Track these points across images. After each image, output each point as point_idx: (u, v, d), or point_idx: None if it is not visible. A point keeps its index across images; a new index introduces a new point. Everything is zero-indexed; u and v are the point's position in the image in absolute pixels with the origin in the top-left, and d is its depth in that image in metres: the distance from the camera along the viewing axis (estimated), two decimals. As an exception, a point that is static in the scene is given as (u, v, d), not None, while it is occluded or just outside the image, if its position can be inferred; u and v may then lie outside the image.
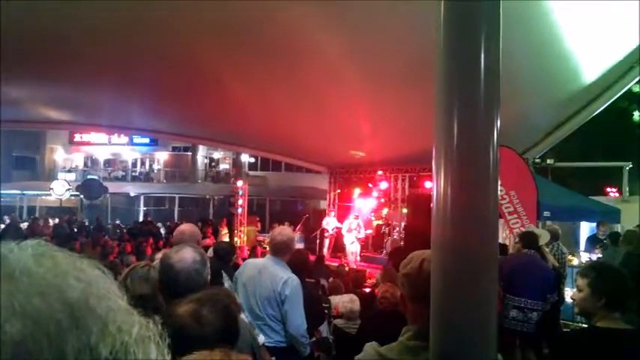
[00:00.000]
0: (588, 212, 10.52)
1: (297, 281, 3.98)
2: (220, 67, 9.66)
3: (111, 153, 33.32)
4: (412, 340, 1.71)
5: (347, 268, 12.00)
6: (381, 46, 8.30)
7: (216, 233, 15.56)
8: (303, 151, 16.79)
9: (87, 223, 22.27)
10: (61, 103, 13.99)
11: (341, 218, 16.57)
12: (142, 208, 31.11)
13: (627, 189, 14.93)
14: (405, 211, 14.92)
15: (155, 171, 33.77)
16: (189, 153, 32.31)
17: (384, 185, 16.02)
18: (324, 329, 5.64)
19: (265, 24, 7.69)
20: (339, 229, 16.11)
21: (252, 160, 30.14)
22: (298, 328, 3.93)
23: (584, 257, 9.56)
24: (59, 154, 32.84)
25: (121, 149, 32.91)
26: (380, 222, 16.17)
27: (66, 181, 24.87)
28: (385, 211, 16.18)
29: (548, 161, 13.02)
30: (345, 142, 14.07)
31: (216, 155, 33.96)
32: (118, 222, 24.63)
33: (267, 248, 4.60)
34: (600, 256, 8.70)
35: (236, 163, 31.07)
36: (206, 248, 4.86)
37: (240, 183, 18.29)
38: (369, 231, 16.01)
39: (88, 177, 25.57)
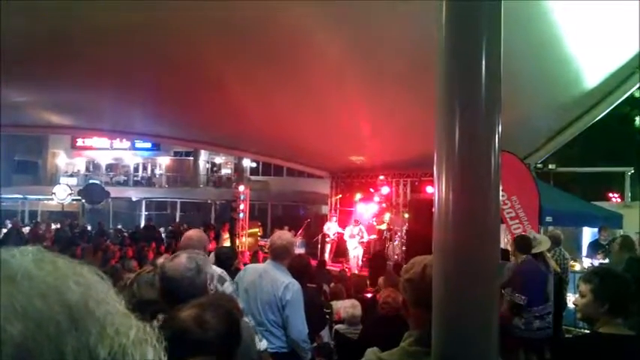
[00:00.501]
0: (590, 217, 10.51)
1: (297, 286, 3.98)
2: (222, 70, 9.67)
3: (113, 157, 33.40)
4: (413, 346, 1.70)
5: (349, 274, 11.99)
6: (383, 48, 8.31)
7: (218, 238, 15.57)
8: (304, 155, 16.79)
9: (89, 228, 22.29)
10: (63, 107, 14.00)
11: (342, 223, 16.56)
12: (144, 213, 31.15)
13: (629, 194, 14.93)
14: (406, 216, 14.92)
15: (157, 176, 33.83)
16: (191, 158, 32.37)
17: (385, 190, 16.01)
18: (325, 334, 5.62)
19: (267, 26, 7.70)
20: (340, 235, 16.10)
21: (254, 164, 30.17)
22: (300, 333, 3.93)
23: (587, 263, 9.54)
24: (61, 159, 32.91)
25: (123, 154, 32.97)
26: (383, 227, 16.14)
27: (68, 185, 24.93)
28: (388, 216, 16.17)
29: (550, 166, 13.04)
30: (347, 146, 14.07)
31: (218, 160, 34.01)
32: (119, 227, 24.64)
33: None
34: (603, 261, 8.67)
35: (238, 168, 31.11)
36: (208, 253, 4.86)
37: (241, 188, 18.32)
38: (373, 236, 15.98)
39: (90, 181, 25.60)
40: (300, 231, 18.19)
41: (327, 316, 6.24)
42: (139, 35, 8.24)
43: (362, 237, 15.12)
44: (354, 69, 9.25)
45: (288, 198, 28.67)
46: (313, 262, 9.32)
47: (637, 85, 10.56)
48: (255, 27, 7.79)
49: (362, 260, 15.18)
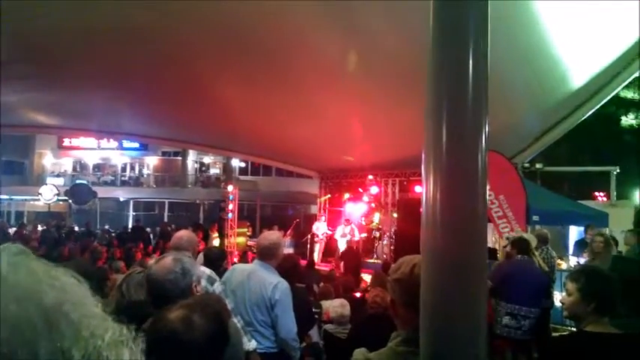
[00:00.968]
0: (577, 216, 10.60)
1: (286, 285, 3.98)
2: (211, 70, 9.64)
3: (100, 157, 33.16)
4: (401, 346, 1.70)
5: (337, 273, 11.99)
6: (373, 50, 8.33)
7: (206, 238, 15.51)
8: (293, 155, 16.79)
9: (76, 229, 22.10)
10: (50, 107, 13.89)
11: (331, 223, 16.56)
12: (132, 213, 30.97)
13: (615, 193, 15.08)
14: (395, 215, 14.96)
15: (145, 176, 33.65)
16: (180, 158, 32.25)
17: (374, 190, 16.03)
18: (314, 334, 5.61)
19: (257, 27, 7.68)
20: (329, 235, 16.10)
21: (243, 164, 30.13)
22: (289, 332, 3.92)
23: (573, 261, 9.62)
24: (48, 159, 32.61)
25: (110, 154, 32.76)
26: (373, 226, 16.13)
27: (54, 185, 24.70)
28: (377, 216, 16.19)
29: (537, 165, 13.14)
30: (336, 146, 14.08)
31: (207, 160, 33.90)
32: (107, 227, 24.48)
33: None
34: (589, 260, 8.74)
35: (226, 168, 31.03)
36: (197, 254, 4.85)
37: (230, 188, 18.26)
38: (364, 234, 16.00)
39: (77, 182, 25.42)
40: (289, 231, 18.19)
41: (316, 316, 6.23)
42: (127, 35, 8.19)
43: (353, 236, 15.12)
44: (343, 69, 9.26)
45: (277, 198, 28.66)
46: (302, 262, 9.33)
47: (623, 85, 10.68)
48: (246, 27, 7.78)
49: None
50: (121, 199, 30.85)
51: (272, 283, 3.93)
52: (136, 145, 31.06)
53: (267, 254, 4.12)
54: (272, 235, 4.42)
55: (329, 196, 18.06)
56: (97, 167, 33.55)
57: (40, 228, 20.60)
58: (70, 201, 22.84)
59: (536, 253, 6.76)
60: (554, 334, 6.87)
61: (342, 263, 13.51)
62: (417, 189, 12.82)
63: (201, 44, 8.54)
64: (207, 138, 16.84)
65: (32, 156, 31.96)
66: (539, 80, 9.43)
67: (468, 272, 1.37)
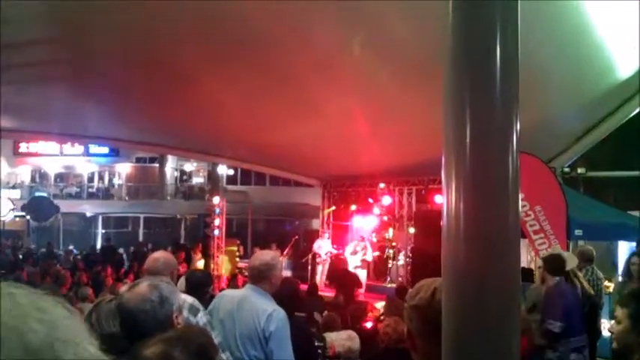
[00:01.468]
0: (627, 230, 10.54)
1: (283, 314, 3.97)
2: (192, 63, 9.66)
3: (63, 166, 33.24)
4: (421, 385, 1.70)
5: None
6: (383, 37, 8.34)
7: (189, 260, 15.51)
8: (291, 160, 16.77)
9: (35, 249, 22.12)
10: (3, 106, 13.92)
11: (336, 240, 16.52)
12: (101, 231, 31.00)
13: (672, 202, 15.03)
14: (412, 230, 14.93)
15: (116, 186, 33.72)
16: (157, 165, 32.31)
17: (387, 200, 16.00)
18: (317, 372, 5.61)
19: (246, 14, 7.71)
20: (334, 255, 16.04)
21: (231, 172, 30.12)
22: (286, 371, 3.91)
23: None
24: (2, 168, 32.67)
25: (75, 161, 32.83)
26: (387, 244, 16.07)
27: (10, 199, 24.73)
28: (391, 231, 16.15)
29: (579, 170, 13.10)
30: (341, 149, 14.06)
31: (189, 167, 33.95)
32: (71, 247, 24.47)
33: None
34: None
35: (212, 176, 31.02)
36: (178, 278, 4.85)
37: (216, 200, 18.27)
38: (377, 253, 15.95)
39: (36, 194, 25.47)
40: (287, 250, 18.16)
41: (319, 351, 6.22)
42: (93, 25, 8.22)
43: (365, 254, 15.05)
44: (348, 59, 9.28)
45: (272, 211, 28.64)
46: (303, 287, 9.32)
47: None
48: (233, 15, 7.80)
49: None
50: (88, 215, 30.89)
51: (266, 311, 3.92)
52: (105, 150, 31.14)
53: (260, 277, 4.11)
54: (266, 255, 4.41)
55: (333, 208, 18.04)
56: (60, 177, 33.63)
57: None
58: (28, 217, 22.86)
59: (580, 274, 6.73)
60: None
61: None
62: (437, 199, 12.80)
63: (180, 33, 8.55)
64: (189, 141, 16.84)
65: (-17, 164, 32.09)
66: (579, 70, 9.43)
67: (499, 298, 1.37)
